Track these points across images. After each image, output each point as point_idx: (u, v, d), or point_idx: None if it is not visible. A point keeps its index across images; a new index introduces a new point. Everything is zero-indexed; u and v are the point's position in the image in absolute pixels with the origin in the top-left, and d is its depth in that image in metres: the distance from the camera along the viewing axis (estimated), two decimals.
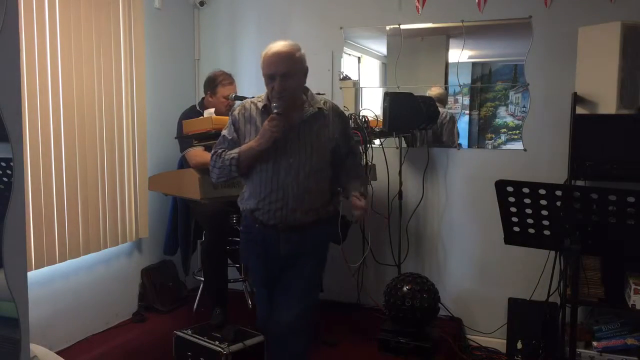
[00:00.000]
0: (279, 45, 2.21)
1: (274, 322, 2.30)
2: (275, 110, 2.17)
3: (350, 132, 2.50)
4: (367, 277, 3.66)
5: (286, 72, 2.18)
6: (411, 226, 3.66)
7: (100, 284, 3.38)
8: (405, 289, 3.00)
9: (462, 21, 3.48)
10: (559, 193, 1.95)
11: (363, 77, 3.91)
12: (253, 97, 2.37)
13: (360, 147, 2.90)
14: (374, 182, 3.45)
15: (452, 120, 3.64)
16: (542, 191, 1.96)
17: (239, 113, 2.31)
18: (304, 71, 2.28)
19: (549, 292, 3.14)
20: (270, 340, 2.43)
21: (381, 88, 3.79)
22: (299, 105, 2.26)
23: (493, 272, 3.52)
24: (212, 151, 2.33)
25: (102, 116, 3.23)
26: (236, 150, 2.25)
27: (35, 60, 2.78)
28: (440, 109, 3.52)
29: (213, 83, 3.29)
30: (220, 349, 2.70)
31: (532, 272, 3.28)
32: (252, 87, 3.84)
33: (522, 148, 3.42)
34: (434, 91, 3.61)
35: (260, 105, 2.28)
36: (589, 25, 2.96)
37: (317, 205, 2.28)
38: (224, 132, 2.34)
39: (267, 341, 2.52)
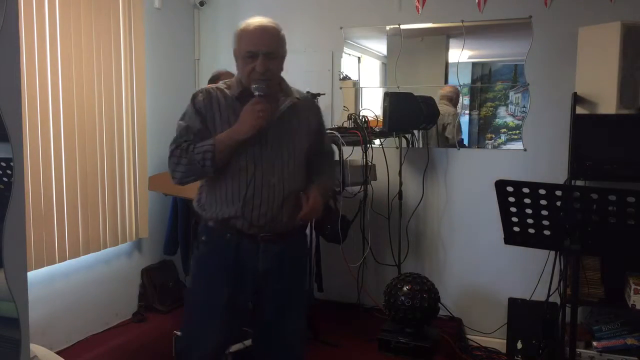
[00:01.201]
0: (262, 20, 1.94)
1: (271, 349, 2.06)
2: (257, 93, 1.87)
3: (325, 128, 2.25)
4: (367, 277, 3.65)
5: (271, 50, 1.90)
6: (411, 226, 3.66)
7: (100, 284, 3.38)
8: (405, 289, 3.00)
9: (462, 21, 3.48)
10: (559, 193, 1.95)
11: (363, 77, 3.91)
12: (214, 85, 2.03)
13: (337, 145, 2.71)
14: (374, 182, 3.45)
15: (455, 117, 3.63)
16: (542, 191, 1.96)
17: (204, 100, 1.94)
18: (284, 55, 1.99)
19: (549, 292, 3.14)
20: None
21: (381, 88, 3.78)
22: (275, 94, 1.98)
23: (493, 272, 3.52)
24: (172, 146, 1.92)
25: (102, 116, 3.23)
26: (209, 141, 1.87)
27: (35, 60, 2.78)
28: (449, 109, 3.52)
29: (216, 82, 3.29)
30: None
31: (532, 272, 3.28)
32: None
33: (522, 148, 3.42)
34: (445, 90, 3.60)
35: (229, 92, 1.96)
36: (589, 25, 2.96)
37: (298, 209, 1.96)
38: (184, 122, 1.95)
39: None
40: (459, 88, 3.58)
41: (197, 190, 2.05)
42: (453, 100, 3.60)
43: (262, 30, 1.92)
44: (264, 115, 1.86)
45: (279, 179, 1.95)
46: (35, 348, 2.17)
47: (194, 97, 1.97)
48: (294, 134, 2.00)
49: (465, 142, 3.62)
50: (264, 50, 1.89)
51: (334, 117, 3.82)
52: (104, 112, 3.23)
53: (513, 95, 3.47)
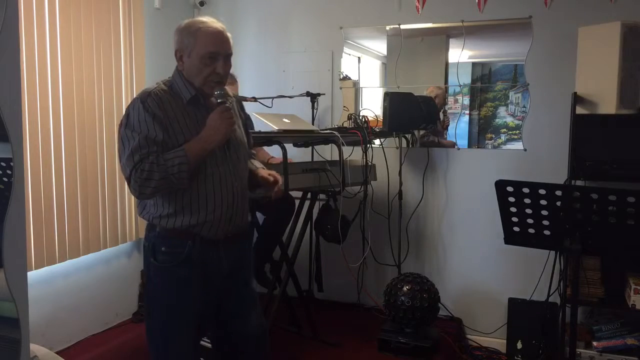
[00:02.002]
0: (216, 22, 1.88)
1: (241, 339, 2.08)
2: (219, 100, 1.85)
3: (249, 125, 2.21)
4: (367, 277, 3.66)
5: (230, 52, 1.88)
6: (411, 226, 3.66)
7: (100, 284, 3.38)
8: (405, 289, 3.00)
9: (462, 21, 3.48)
10: (559, 193, 1.95)
11: (363, 77, 3.91)
12: (153, 87, 1.89)
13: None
14: (374, 182, 3.45)
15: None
16: (542, 191, 1.96)
17: (158, 105, 1.81)
18: None
19: (549, 292, 3.14)
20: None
21: (381, 88, 3.78)
22: None
23: (493, 272, 3.52)
24: (133, 158, 1.75)
25: (102, 116, 3.23)
26: (178, 152, 1.77)
27: (35, 60, 2.78)
28: None
29: None
30: None
31: (532, 272, 3.28)
32: (253, 86, 3.85)
33: (522, 148, 3.42)
34: (430, 90, 3.60)
35: (180, 95, 1.87)
36: (589, 25, 2.96)
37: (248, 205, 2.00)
38: (139, 130, 1.77)
39: None
40: (459, 88, 3.58)
41: (143, 201, 1.93)
42: (438, 99, 3.59)
43: (222, 31, 1.88)
44: (232, 122, 1.86)
45: (239, 180, 1.95)
46: (35, 348, 2.17)
47: (143, 101, 1.81)
48: (240, 133, 2.02)
49: (465, 142, 3.62)
50: (225, 52, 1.87)
51: (334, 117, 3.82)
52: (104, 112, 3.23)
53: (513, 95, 3.47)
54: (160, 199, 1.87)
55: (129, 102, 3.33)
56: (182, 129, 1.84)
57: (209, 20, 1.90)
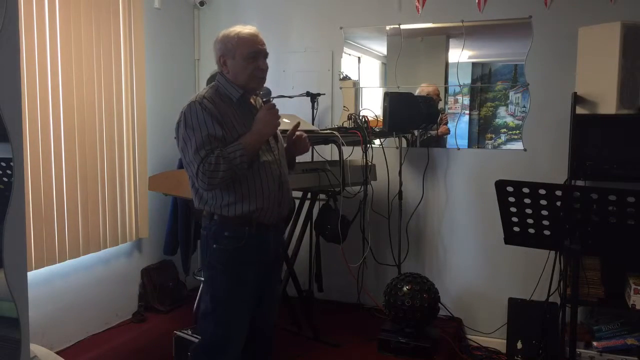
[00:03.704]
0: (251, 27, 2.11)
1: (261, 329, 2.24)
2: (264, 99, 2.14)
3: None
4: (367, 277, 3.66)
5: (267, 52, 2.13)
6: (411, 226, 3.66)
7: (100, 284, 3.38)
8: (405, 289, 3.00)
9: (462, 21, 3.48)
10: (559, 193, 1.95)
11: (363, 77, 3.91)
12: (202, 92, 2.10)
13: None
14: (374, 182, 3.45)
15: None
16: (542, 191, 1.96)
17: (215, 107, 2.03)
18: None
19: (549, 292, 3.14)
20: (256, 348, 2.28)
21: (381, 88, 3.78)
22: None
23: (493, 272, 3.52)
24: (201, 155, 1.97)
25: (102, 116, 3.23)
26: (237, 145, 1.99)
27: (35, 60, 2.78)
28: None
29: None
30: None
31: (532, 272, 3.28)
32: None
33: (522, 148, 3.42)
34: (423, 89, 3.60)
35: (233, 95, 2.09)
36: (589, 25, 2.96)
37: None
38: (203, 131, 1.99)
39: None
40: (459, 88, 3.58)
41: (199, 192, 2.09)
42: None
43: (258, 34, 2.10)
44: (279, 116, 2.10)
45: (283, 168, 2.19)
46: (35, 348, 2.17)
47: (200, 103, 2.02)
48: None
49: (465, 142, 3.62)
50: (264, 50, 2.11)
51: (334, 117, 3.82)
52: (104, 112, 3.23)
53: (513, 95, 3.47)
54: (219, 191, 2.05)
55: (129, 102, 3.41)
56: (235, 125, 2.05)
57: (243, 26, 2.11)
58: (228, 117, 2.05)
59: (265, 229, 2.11)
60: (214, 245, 2.08)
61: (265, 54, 2.11)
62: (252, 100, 2.19)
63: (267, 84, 3.87)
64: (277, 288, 2.39)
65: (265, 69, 2.12)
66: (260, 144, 2.07)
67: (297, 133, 2.28)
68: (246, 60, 2.06)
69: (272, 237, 2.16)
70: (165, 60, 3.87)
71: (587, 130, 2.94)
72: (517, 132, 3.45)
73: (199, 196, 2.11)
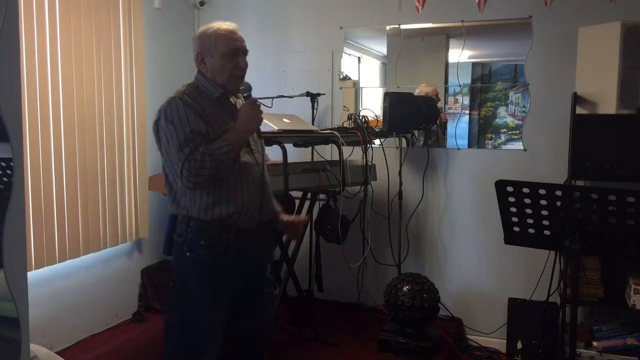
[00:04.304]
0: (229, 24, 2.02)
1: (250, 332, 2.13)
2: (245, 94, 2.12)
3: None
4: (367, 277, 3.65)
5: (247, 50, 2.04)
6: (411, 226, 3.66)
7: (100, 284, 3.38)
8: (405, 289, 3.00)
9: (462, 21, 3.48)
10: (559, 193, 1.95)
11: (363, 77, 3.91)
12: (181, 89, 2.02)
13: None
14: (374, 182, 3.45)
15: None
16: (542, 191, 1.96)
17: (196, 103, 1.95)
18: None
19: (549, 292, 3.14)
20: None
21: (381, 88, 3.78)
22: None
23: (493, 272, 3.52)
24: (186, 152, 1.88)
25: (102, 116, 3.23)
26: (222, 141, 1.91)
27: (35, 60, 2.78)
28: None
29: None
30: None
31: (532, 272, 3.28)
32: (253, 86, 3.84)
33: (522, 148, 3.42)
34: (422, 89, 3.60)
35: (213, 94, 2.01)
36: (589, 25, 2.96)
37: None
38: (186, 127, 1.90)
39: None
40: (459, 88, 3.58)
41: (177, 196, 2.01)
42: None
43: (236, 30, 2.02)
44: (261, 112, 2.04)
45: (263, 169, 2.09)
46: (35, 348, 2.17)
47: (181, 98, 1.94)
48: None
49: (465, 142, 3.62)
50: (243, 48, 2.02)
51: (334, 117, 3.82)
52: (104, 112, 3.23)
53: (513, 95, 3.47)
54: (197, 192, 1.96)
55: (129, 102, 3.40)
56: (218, 121, 1.98)
57: (221, 22, 2.02)
58: (210, 114, 1.97)
59: (244, 235, 2.00)
60: (188, 254, 1.99)
61: (244, 51, 2.02)
62: (231, 100, 2.12)
63: (267, 84, 3.90)
64: (266, 288, 2.20)
65: (244, 67, 2.02)
66: (245, 140, 2.00)
67: (288, 219, 2.21)
68: (225, 58, 1.98)
69: (252, 243, 2.04)
70: (165, 60, 3.87)
71: (587, 130, 2.94)
72: (517, 132, 3.45)
73: (177, 201, 2.02)
